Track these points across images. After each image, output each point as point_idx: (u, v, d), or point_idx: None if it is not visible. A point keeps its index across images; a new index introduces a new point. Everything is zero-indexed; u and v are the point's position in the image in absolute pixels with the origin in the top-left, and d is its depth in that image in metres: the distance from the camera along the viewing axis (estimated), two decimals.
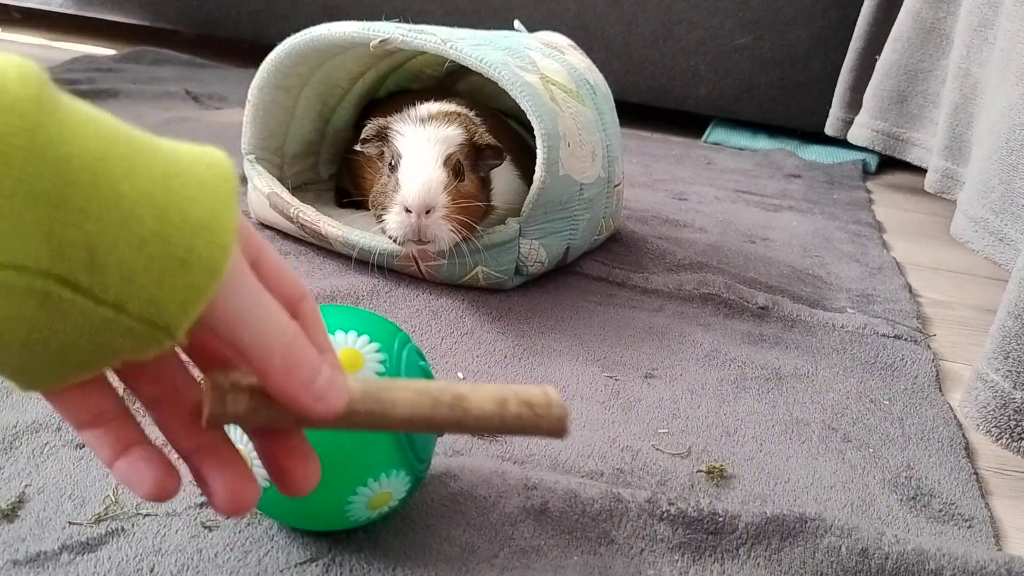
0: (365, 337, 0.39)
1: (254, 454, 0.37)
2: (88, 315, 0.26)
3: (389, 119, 0.70)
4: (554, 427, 0.32)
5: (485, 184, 0.70)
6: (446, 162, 0.65)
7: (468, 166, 0.67)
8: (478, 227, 0.68)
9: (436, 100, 0.73)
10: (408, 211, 0.63)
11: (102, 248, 0.25)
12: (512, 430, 0.32)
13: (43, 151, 0.24)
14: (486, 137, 0.68)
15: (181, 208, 0.27)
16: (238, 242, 0.28)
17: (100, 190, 0.25)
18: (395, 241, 0.66)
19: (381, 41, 0.70)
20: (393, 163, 0.67)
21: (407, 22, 0.74)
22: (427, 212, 0.63)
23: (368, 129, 0.70)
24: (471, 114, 0.72)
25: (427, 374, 0.42)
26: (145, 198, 0.26)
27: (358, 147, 0.71)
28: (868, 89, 1.17)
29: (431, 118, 0.68)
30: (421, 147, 0.65)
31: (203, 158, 0.29)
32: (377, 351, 0.39)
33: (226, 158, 0.30)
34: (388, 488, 0.39)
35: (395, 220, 0.64)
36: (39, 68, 0.25)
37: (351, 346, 0.39)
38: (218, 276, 0.27)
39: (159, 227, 0.26)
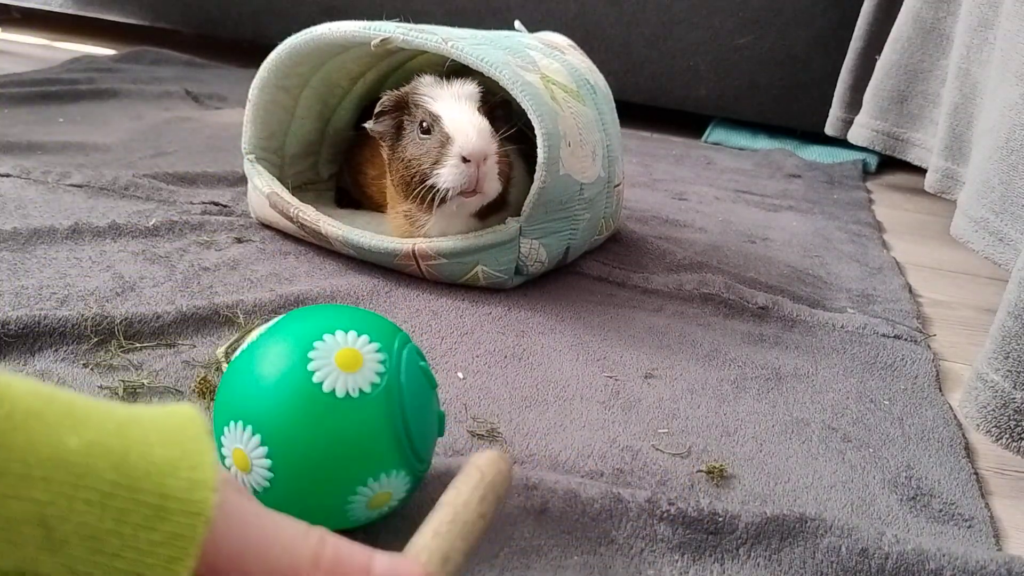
0: (365, 337, 0.39)
1: (254, 454, 0.37)
2: None
3: (404, 90, 0.70)
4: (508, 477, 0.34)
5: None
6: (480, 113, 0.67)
7: (489, 120, 0.69)
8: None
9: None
10: (466, 160, 0.64)
11: (56, 517, 0.21)
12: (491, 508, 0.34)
13: None
14: (497, 98, 0.70)
15: (142, 452, 0.22)
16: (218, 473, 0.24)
17: (40, 449, 0.21)
18: (446, 195, 0.66)
19: (382, 40, 0.70)
20: (427, 125, 0.68)
21: (408, 22, 0.74)
22: (484, 160, 0.65)
23: (386, 100, 0.70)
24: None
25: (427, 374, 0.42)
26: (98, 448, 0.22)
27: (368, 124, 0.71)
28: (868, 89, 1.17)
29: (448, 77, 0.69)
30: (457, 101, 0.67)
31: (163, 409, 0.25)
32: (377, 351, 0.39)
33: (190, 407, 0.26)
34: (388, 488, 0.39)
35: (452, 172, 0.65)
36: None
37: (351, 346, 0.39)
38: (205, 517, 0.23)
39: (119, 476, 0.22)
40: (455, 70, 0.73)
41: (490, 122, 0.68)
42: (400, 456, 0.39)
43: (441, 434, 0.43)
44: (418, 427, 0.40)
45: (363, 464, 0.38)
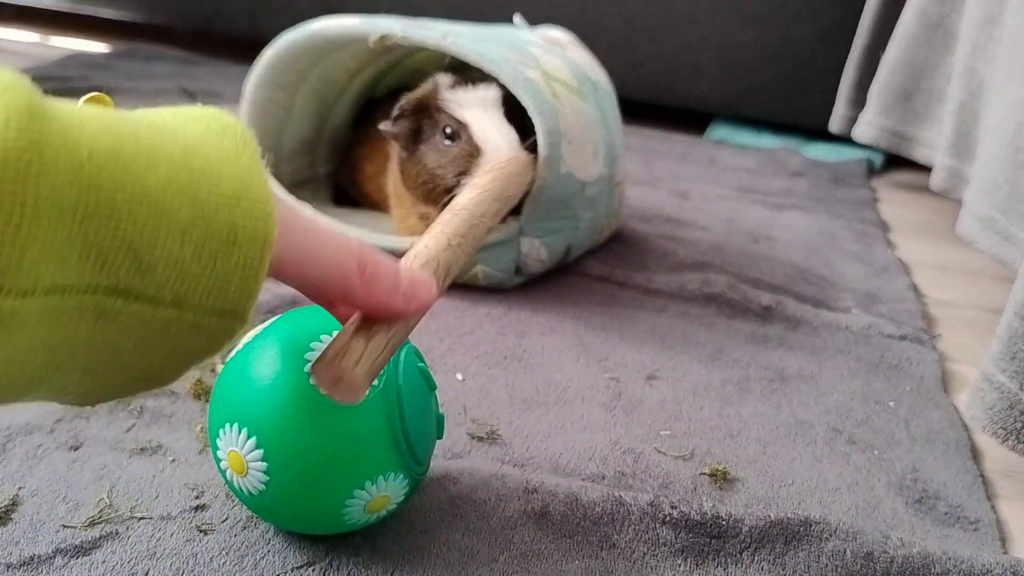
0: None
1: (250, 457, 0.37)
2: (148, 321, 0.25)
3: (424, 91, 0.69)
4: (519, 177, 0.41)
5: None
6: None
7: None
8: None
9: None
10: None
11: (144, 247, 0.24)
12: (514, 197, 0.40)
13: (53, 163, 0.22)
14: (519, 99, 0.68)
15: (210, 187, 0.25)
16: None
17: (124, 189, 0.24)
18: None
19: (381, 37, 0.70)
20: (451, 131, 0.66)
21: (406, 17, 0.74)
22: None
23: (405, 103, 0.68)
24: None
25: (426, 376, 0.41)
26: (173, 186, 0.25)
27: (383, 126, 0.69)
28: (873, 86, 1.16)
29: (462, 82, 0.68)
30: (485, 109, 0.66)
31: (213, 126, 0.28)
32: None
33: (235, 120, 0.29)
34: (386, 491, 0.39)
35: None
36: (19, 73, 0.23)
37: None
38: (269, 244, 0.26)
39: (195, 211, 0.25)
40: (455, 68, 0.72)
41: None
42: (398, 459, 0.38)
43: (440, 436, 0.42)
44: (416, 429, 0.39)
45: (360, 467, 0.37)
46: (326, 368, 0.32)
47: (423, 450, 0.40)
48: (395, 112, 0.68)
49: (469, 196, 0.37)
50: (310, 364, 0.34)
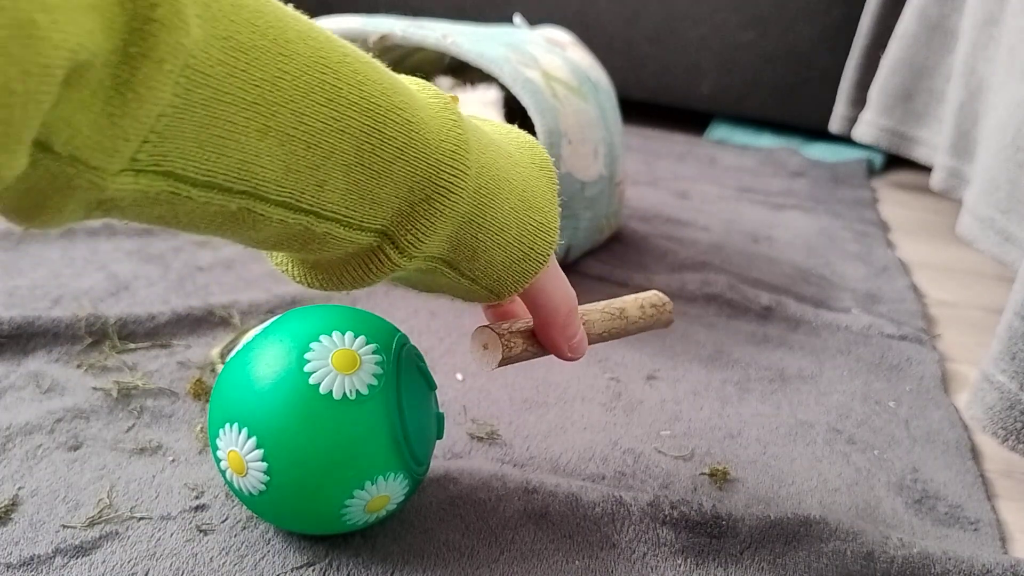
0: (362, 338, 0.39)
1: (250, 457, 0.37)
2: (456, 282, 0.36)
3: None
4: (669, 319, 0.47)
5: None
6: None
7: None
8: None
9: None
10: None
11: (480, 249, 0.34)
12: (647, 327, 0.46)
13: (476, 178, 0.33)
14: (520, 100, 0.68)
15: (531, 218, 0.36)
16: None
17: (491, 208, 0.33)
18: None
19: (381, 37, 0.70)
20: None
21: (405, 17, 0.73)
22: None
23: None
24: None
25: (426, 376, 0.41)
26: (513, 214, 0.35)
27: None
28: (873, 86, 1.16)
29: (462, 84, 0.67)
30: (484, 109, 0.66)
31: (535, 159, 0.37)
32: (374, 352, 0.38)
33: (547, 155, 0.38)
34: (386, 491, 0.39)
35: None
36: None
37: (348, 347, 0.38)
38: (545, 266, 0.37)
39: (519, 234, 0.35)
40: (455, 67, 0.72)
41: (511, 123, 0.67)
42: (398, 459, 0.38)
43: (440, 436, 0.42)
44: (416, 429, 0.39)
45: (360, 467, 0.37)
46: (490, 336, 0.38)
47: (423, 450, 0.40)
48: None
49: (621, 300, 0.47)
50: (481, 326, 0.39)
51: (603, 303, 0.45)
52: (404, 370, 0.39)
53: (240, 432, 0.37)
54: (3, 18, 0.18)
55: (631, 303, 0.46)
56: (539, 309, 0.38)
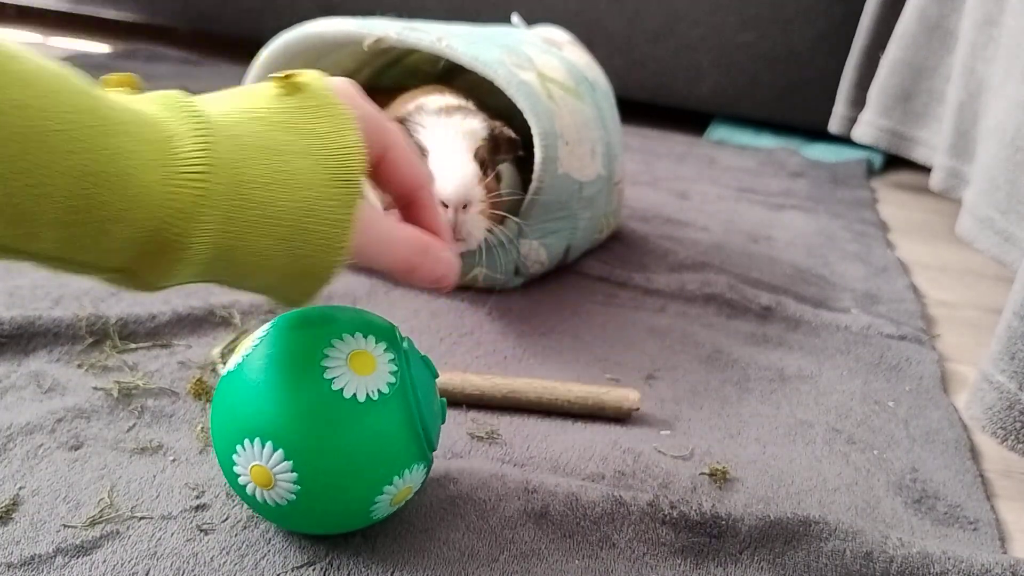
0: (372, 338, 0.39)
1: (277, 469, 0.37)
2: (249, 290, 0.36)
3: (406, 111, 0.68)
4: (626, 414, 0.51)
5: (498, 178, 0.69)
6: (475, 155, 0.63)
7: (489, 160, 0.66)
8: (499, 225, 0.66)
9: (436, 95, 0.72)
10: (444, 206, 0.60)
11: (247, 275, 0.33)
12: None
13: (234, 186, 0.31)
14: (507, 131, 0.67)
15: (307, 241, 0.33)
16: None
17: (246, 243, 0.32)
18: None
19: (376, 40, 0.70)
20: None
21: (404, 17, 0.74)
22: (464, 207, 0.61)
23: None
24: (470, 105, 0.71)
25: (429, 365, 0.42)
26: (281, 244, 0.33)
27: None
28: (872, 86, 1.16)
29: (451, 110, 0.66)
30: (450, 139, 0.63)
31: (330, 153, 0.34)
32: (386, 351, 0.39)
33: (353, 144, 0.35)
34: (409, 483, 0.39)
35: None
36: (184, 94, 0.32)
37: (362, 349, 0.38)
38: (328, 281, 0.35)
39: (290, 260, 0.33)
40: (453, 67, 0.72)
41: (491, 161, 0.65)
42: (419, 450, 0.39)
43: (443, 420, 0.43)
44: (431, 419, 0.40)
45: (388, 464, 0.38)
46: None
47: (436, 437, 0.41)
48: None
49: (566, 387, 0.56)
50: None
51: (574, 391, 0.53)
52: (412, 363, 0.40)
53: (264, 446, 0.36)
54: None
55: (592, 399, 0.53)
56: (384, 270, 0.38)
